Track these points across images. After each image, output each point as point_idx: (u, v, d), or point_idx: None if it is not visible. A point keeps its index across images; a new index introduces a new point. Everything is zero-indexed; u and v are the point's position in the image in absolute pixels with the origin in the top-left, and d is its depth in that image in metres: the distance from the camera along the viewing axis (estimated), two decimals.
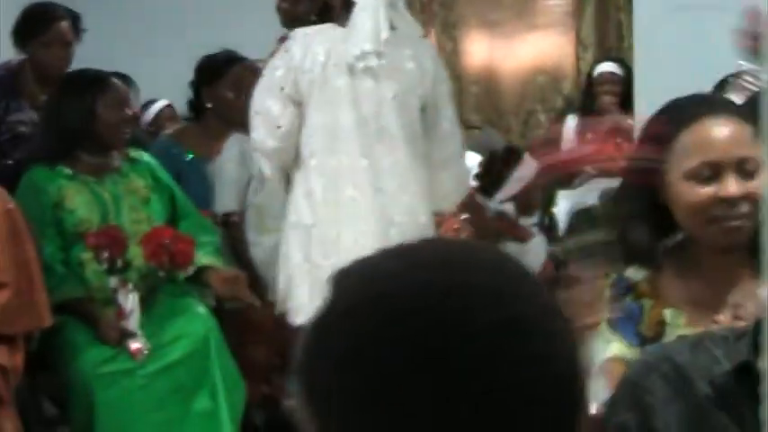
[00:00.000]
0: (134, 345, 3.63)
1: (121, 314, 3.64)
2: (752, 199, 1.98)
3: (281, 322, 3.98)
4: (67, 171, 3.82)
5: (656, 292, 2.09)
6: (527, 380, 0.94)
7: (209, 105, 4.51)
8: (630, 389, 1.61)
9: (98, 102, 3.78)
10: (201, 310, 3.80)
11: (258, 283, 3.95)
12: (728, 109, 2.10)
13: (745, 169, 2.00)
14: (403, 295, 0.96)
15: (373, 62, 3.46)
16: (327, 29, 3.57)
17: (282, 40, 4.01)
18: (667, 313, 2.05)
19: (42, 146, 3.90)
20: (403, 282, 0.97)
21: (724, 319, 1.94)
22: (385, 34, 3.47)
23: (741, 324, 1.79)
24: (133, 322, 3.64)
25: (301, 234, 3.53)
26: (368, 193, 3.48)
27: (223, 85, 4.46)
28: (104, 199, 3.83)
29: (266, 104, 3.55)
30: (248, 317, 4.05)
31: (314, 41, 3.52)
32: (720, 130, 2.02)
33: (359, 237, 3.45)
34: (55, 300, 3.54)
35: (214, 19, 6.17)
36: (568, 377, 0.97)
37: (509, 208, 5.09)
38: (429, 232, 3.57)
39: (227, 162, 4.26)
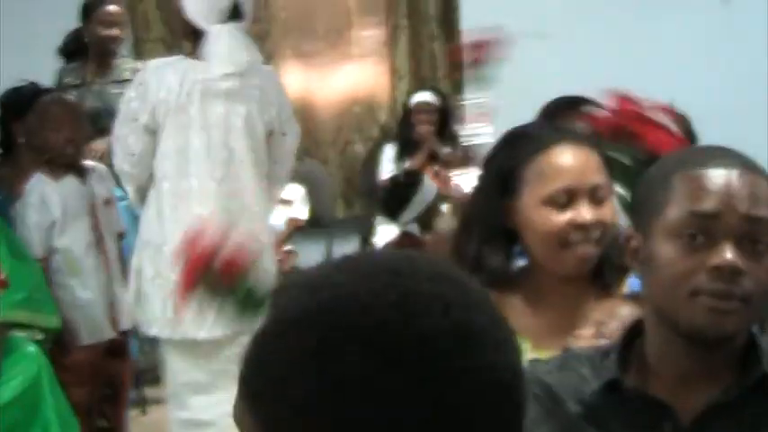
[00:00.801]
0: None
1: None
2: (601, 226, 2.00)
3: (105, 356, 4.14)
4: None
5: None
6: (480, 388, 0.95)
7: (20, 140, 4.33)
8: None
9: None
10: (31, 348, 3.69)
11: (69, 326, 4.04)
12: (578, 136, 2.11)
13: (596, 196, 2.01)
14: (352, 305, 0.95)
15: (234, 84, 3.72)
16: (179, 60, 3.79)
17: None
18: None
19: None
20: (350, 292, 0.96)
21: (586, 334, 1.95)
22: (245, 58, 3.74)
23: (603, 341, 1.80)
24: None
25: (153, 252, 3.73)
26: (215, 213, 3.67)
27: (31, 118, 4.28)
28: None
29: (122, 133, 3.77)
30: (62, 360, 3.97)
31: (167, 72, 3.72)
32: (576, 156, 2.03)
33: None
34: None
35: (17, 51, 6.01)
36: (515, 385, 0.99)
37: (414, 228, 5.24)
38: (269, 252, 3.84)
39: (28, 206, 4.11)
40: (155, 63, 3.87)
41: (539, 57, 5.56)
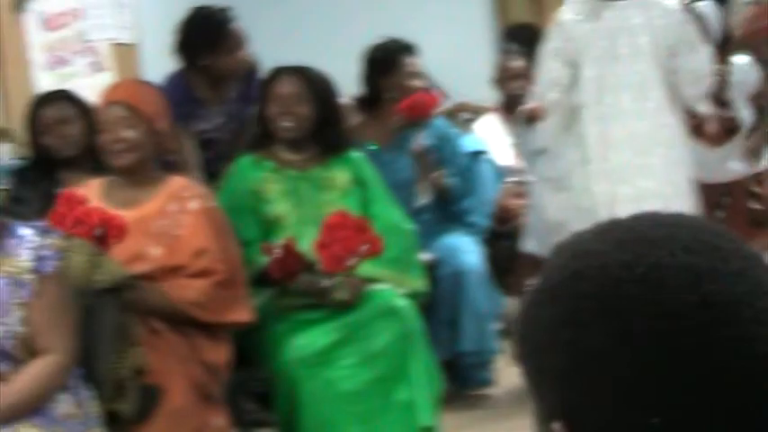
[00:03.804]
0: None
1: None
2: None
3: None
4: (270, 163, 3.91)
5: None
6: (731, 359, 0.91)
7: (386, 96, 4.46)
8: None
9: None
10: (403, 302, 3.76)
11: None
12: None
13: None
14: (601, 277, 0.95)
15: (639, 15, 4.10)
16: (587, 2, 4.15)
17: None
18: None
19: (250, 138, 4.02)
20: (600, 263, 0.96)
21: None
22: None
23: None
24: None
25: (575, 173, 4.13)
26: (631, 132, 4.07)
27: (399, 74, 4.44)
28: (301, 192, 3.88)
29: (547, 66, 4.18)
30: None
31: (579, 14, 4.13)
32: None
33: (630, 169, 4.08)
34: (253, 271, 3.62)
35: (377, 11, 6.22)
36: None
37: None
38: (684, 168, 4.13)
39: None
40: (569, 8, 4.20)
41: None
